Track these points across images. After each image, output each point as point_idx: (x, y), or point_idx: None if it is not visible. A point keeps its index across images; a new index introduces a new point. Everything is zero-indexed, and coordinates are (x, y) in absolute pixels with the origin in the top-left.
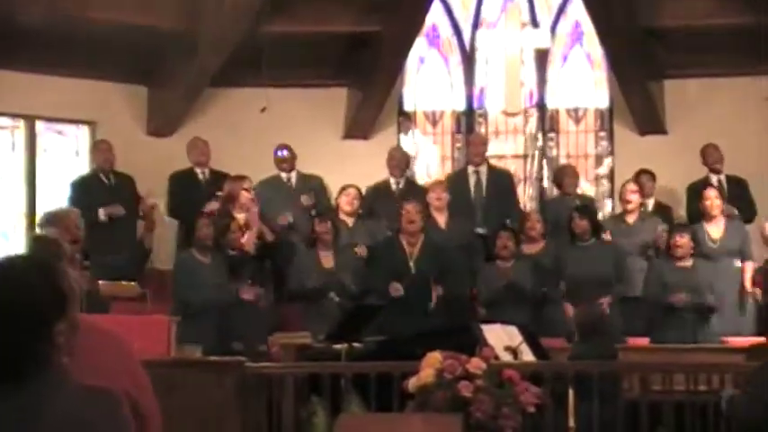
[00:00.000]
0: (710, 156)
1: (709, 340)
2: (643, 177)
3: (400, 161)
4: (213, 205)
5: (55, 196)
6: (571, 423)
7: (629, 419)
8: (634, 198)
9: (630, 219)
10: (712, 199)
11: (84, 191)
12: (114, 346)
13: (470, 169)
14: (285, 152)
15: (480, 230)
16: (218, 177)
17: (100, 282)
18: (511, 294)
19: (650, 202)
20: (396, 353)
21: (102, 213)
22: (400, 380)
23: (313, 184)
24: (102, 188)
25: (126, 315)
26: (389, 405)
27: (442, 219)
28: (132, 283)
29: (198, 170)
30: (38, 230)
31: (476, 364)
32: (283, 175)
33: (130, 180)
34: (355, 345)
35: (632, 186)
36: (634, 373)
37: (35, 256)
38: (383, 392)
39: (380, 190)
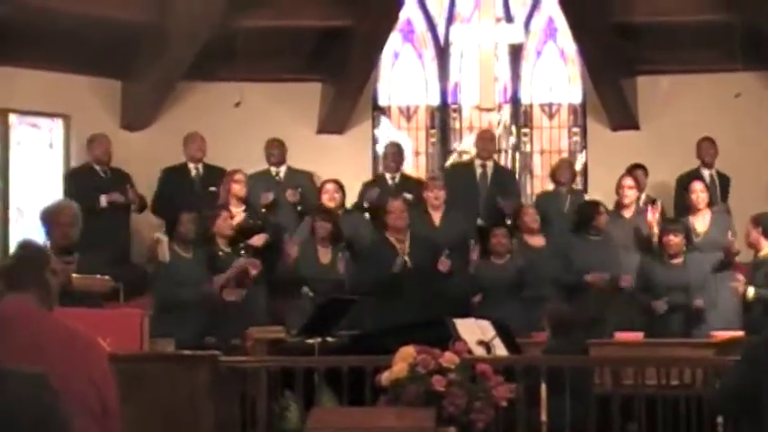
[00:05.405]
0: (704, 149)
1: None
2: (637, 172)
3: (395, 156)
4: None
5: (28, 189)
6: (543, 417)
7: (600, 414)
8: (630, 193)
9: (627, 213)
10: (698, 192)
11: (81, 182)
12: (83, 346)
13: (477, 162)
14: (275, 146)
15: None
16: (213, 172)
17: (73, 275)
18: (508, 288)
19: (642, 197)
20: (369, 347)
21: (103, 200)
22: (373, 374)
23: (301, 180)
24: (97, 180)
25: (99, 309)
26: (362, 399)
27: (437, 216)
28: (105, 277)
29: (191, 165)
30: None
31: (449, 359)
32: (273, 169)
33: (126, 175)
34: (329, 339)
35: (629, 181)
36: (605, 368)
37: None
38: (356, 387)
39: (377, 185)
